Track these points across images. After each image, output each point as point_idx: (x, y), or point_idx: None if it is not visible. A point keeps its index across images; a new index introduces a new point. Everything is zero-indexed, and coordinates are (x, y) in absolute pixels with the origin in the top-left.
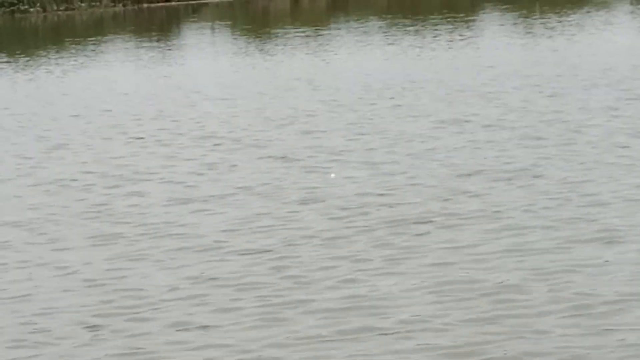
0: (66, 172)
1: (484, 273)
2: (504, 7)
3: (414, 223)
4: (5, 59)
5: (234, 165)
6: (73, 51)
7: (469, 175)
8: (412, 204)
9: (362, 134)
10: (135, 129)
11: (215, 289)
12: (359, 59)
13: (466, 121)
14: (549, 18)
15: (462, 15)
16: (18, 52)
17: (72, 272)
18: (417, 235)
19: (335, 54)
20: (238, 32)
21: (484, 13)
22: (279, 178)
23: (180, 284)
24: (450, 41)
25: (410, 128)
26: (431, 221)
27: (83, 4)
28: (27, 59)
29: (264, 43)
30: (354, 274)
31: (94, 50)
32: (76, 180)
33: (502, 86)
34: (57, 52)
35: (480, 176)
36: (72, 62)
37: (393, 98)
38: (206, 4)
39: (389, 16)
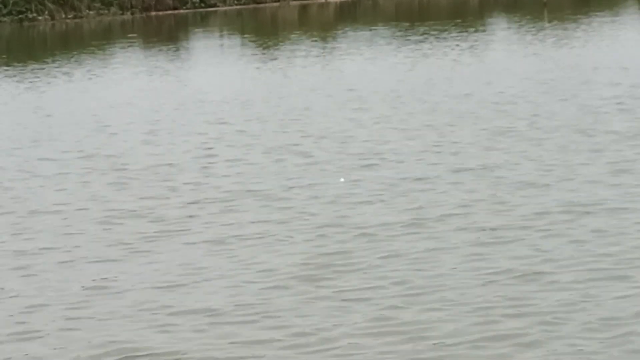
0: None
1: None
2: (512, 13)
3: None
4: (13, 68)
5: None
6: (82, 59)
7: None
8: None
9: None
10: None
11: None
12: (378, 67)
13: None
14: (559, 24)
15: (471, 21)
16: (26, 60)
17: None
18: None
19: (352, 61)
20: (247, 41)
21: (493, 19)
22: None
23: None
24: (467, 48)
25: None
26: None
27: (91, 12)
28: (36, 67)
29: (276, 51)
30: None
31: (103, 59)
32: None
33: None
34: (67, 60)
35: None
36: (82, 71)
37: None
38: (214, 11)
39: (399, 23)
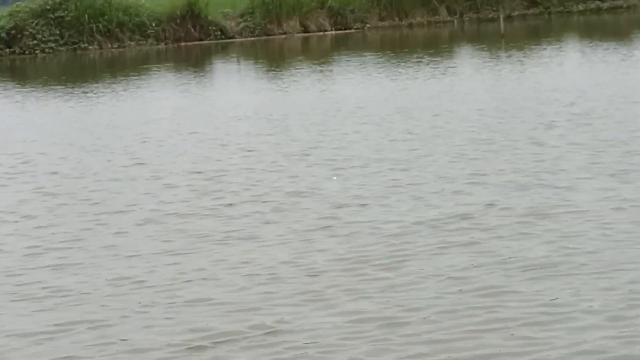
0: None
1: None
2: (475, 43)
3: None
4: (68, 88)
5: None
6: (126, 81)
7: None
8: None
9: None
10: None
11: None
12: (379, 88)
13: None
14: (515, 52)
15: (442, 51)
16: (80, 82)
17: None
18: None
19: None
20: (261, 66)
21: (460, 49)
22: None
23: None
24: (442, 71)
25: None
26: None
27: (132, 43)
28: (88, 87)
29: (284, 75)
30: None
31: (146, 81)
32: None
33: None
34: (113, 82)
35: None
36: (126, 91)
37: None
38: (233, 42)
39: (384, 52)
